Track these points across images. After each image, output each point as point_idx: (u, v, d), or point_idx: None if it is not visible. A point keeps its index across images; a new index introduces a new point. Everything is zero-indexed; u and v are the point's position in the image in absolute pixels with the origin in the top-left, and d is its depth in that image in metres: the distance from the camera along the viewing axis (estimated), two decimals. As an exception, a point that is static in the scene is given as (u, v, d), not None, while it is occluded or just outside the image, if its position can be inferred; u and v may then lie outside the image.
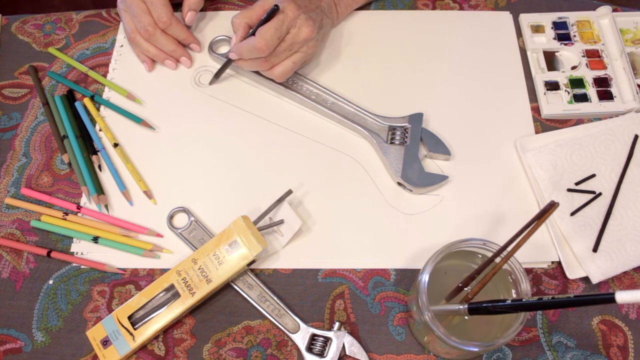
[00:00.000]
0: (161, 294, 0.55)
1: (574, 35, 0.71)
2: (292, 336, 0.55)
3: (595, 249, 0.57)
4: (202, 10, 0.72)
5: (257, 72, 0.67)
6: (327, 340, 0.54)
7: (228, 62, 0.65)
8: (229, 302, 0.57)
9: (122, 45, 0.72)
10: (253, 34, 0.60)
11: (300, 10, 0.60)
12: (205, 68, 0.70)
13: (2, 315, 0.57)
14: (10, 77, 0.71)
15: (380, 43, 0.72)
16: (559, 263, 0.58)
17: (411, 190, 0.62)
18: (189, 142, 0.65)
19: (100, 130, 0.66)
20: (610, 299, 0.36)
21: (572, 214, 0.59)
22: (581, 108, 0.66)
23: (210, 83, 0.69)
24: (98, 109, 0.68)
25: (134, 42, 0.67)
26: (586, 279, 0.58)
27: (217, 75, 0.67)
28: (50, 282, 0.59)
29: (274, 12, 0.58)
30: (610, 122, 0.64)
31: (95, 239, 0.59)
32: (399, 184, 0.62)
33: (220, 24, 0.73)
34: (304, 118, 0.67)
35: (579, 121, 0.66)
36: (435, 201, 0.62)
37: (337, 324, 0.55)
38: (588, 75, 0.68)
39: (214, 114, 0.67)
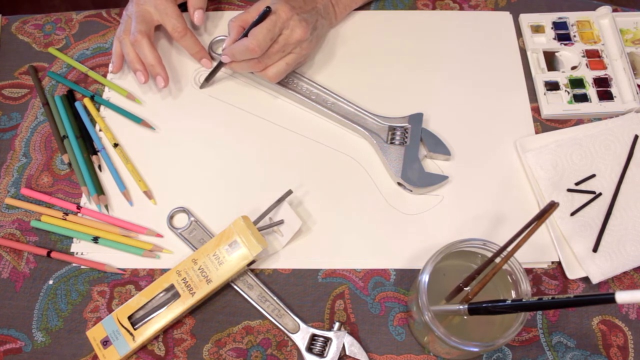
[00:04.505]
0: (161, 294, 0.55)
1: (574, 36, 0.71)
2: (292, 336, 0.55)
3: (595, 249, 0.57)
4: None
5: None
6: (327, 340, 0.54)
7: (219, 66, 0.65)
8: (229, 302, 0.57)
9: (122, 46, 0.72)
10: (245, 35, 0.60)
11: (294, 12, 0.60)
12: (205, 69, 0.70)
13: (2, 315, 0.57)
14: (10, 77, 0.71)
15: (380, 43, 0.72)
16: (559, 263, 0.58)
17: (411, 191, 0.62)
18: (189, 142, 0.65)
19: (100, 130, 0.66)
20: (610, 299, 0.36)
21: (572, 214, 0.59)
22: (581, 108, 0.66)
23: (202, 87, 0.69)
24: (98, 109, 0.68)
25: (120, 40, 0.66)
26: (586, 279, 0.58)
27: (208, 78, 0.67)
28: (50, 282, 0.59)
29: (266, 13, 0.58)
30: (610, 122, 0.64)
31: (95, 239, 0.59)
32: (399, 184, 0.62)
33: (221, 25, 0.73)
34: (304, 118, 0.67)
35: (579, 121, 0.66)
36: (435, 201, 0.62)
37: (337, 324, 0.55)
38: (588, 75, 0.68)
39: (214, 114, 0.67)
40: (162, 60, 0.65)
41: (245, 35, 0.60)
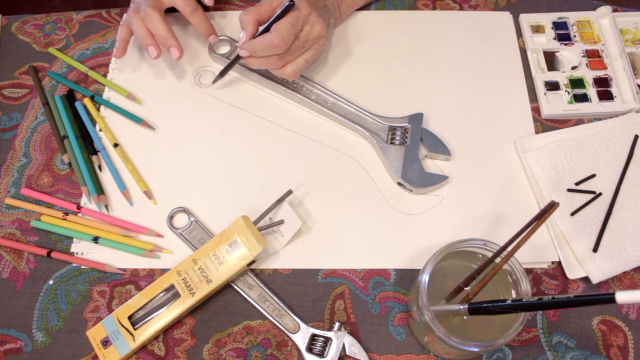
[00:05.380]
0: (161, 294, 0.55)
1: (574, 36, 0.71)
2: (292, 336, 0.55)
3: (595, 249, 0.57)
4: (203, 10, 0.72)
5: (260, 72, 0.67)
6: (327, 340, 0.54)
7: (236, 60, 0.64)
8: (229, 302, 0.57)
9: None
10: (265, 30, 0.58)
11: (312, 8, 0.59)
12: (206, 68, 0.70)
13: (2, 315, 0.57)
14: (11, 77, 0.71)
15: (380, 43, 0.72)
16: (559, 263, 0.58)
17: (411, 191, 0.62)
18: (189, 142, 0.65)
19: (100, 130, 0.66)
20: (610, 299, 0.36)
21: (572, 214, 0.59)
22: (581, 108, 0.66)
23: (214, 81, 0.68)
24: (98, 109, 0.68)
25: (127, 23, 0.65)
26: (586, 279, 0.58)
27: (223, 73, 0.66)
28: (50, 282, 0.59)
29: (289, 8, 0.57)
30: (610, 122, 0.64)
31: (96, 239, 0.59)
32: (399, 184, 0.62)
33: (221, 24, 0.73)
34: (304, 118, 0.67)
35: (579, 121, 0.66)
36: (435, 201, 0.62)
37: (337, 324, 0.55)
38: (588, 75, 0.68)
39: (214, 114, 0.67)
40: (174, 33, 0.64)
41: (265, 30, 0.58)
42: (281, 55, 0.59)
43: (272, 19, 0.58)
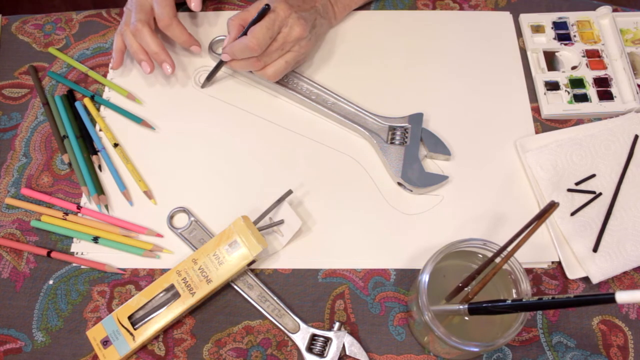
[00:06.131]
0: (161, 294, 0.55)
1: (574, 36, 0.71)
2: (292, 336, 0.55)
3: (595, 249, 0.57)
4: (202, 10, 0.72)
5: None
6: (327, 340, 0.54)
7: (220, 65, 0.65)
8: (229, 302, 0.57)
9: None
10: (245, 34, 0.60)
11: (292, 10, 0.60)
12: (206, 68, 0.70)
13: (2, 315, 0.57)
14: (11, 77, 0.71)
15: (381, 43, 0.72)
16: (559, 263, 0.58)
17: (411, 191, 0.62)
18: (189, 142, 0.65)
19: (100, 130, 0.66)
20: (610, 299, 0.36)
21: (572, 214, 0.59)
22: (581, 108, 0.66)
23: (203, 86, 0.68)
24: (98, 109, 0.68)
25: (121, 33, 0.65)
26: (586, 279, 0.58)
27: (209, 77, 0.67)
28: (50, 282, 0.59)
29: (265, 11, 0.59)
30: (610, 122, 0.64)
31: (95, 239, 0.59)
32: (399, 184, 0.62)
33: (221, 25, 0.73)
34: (304, 118, 0.67)
35: (579, 121, 0.66)
36: (435, 201, 0.62)
37: (337, 324, 0.55)
38: (588, 75, 0.68)
39: (214, 114, 0.67)
40: (165, 47, 0.64)
41: (245, 33, 0.60)
42: (259, 57, 0.61)
43: (250, 23, 0.59)
